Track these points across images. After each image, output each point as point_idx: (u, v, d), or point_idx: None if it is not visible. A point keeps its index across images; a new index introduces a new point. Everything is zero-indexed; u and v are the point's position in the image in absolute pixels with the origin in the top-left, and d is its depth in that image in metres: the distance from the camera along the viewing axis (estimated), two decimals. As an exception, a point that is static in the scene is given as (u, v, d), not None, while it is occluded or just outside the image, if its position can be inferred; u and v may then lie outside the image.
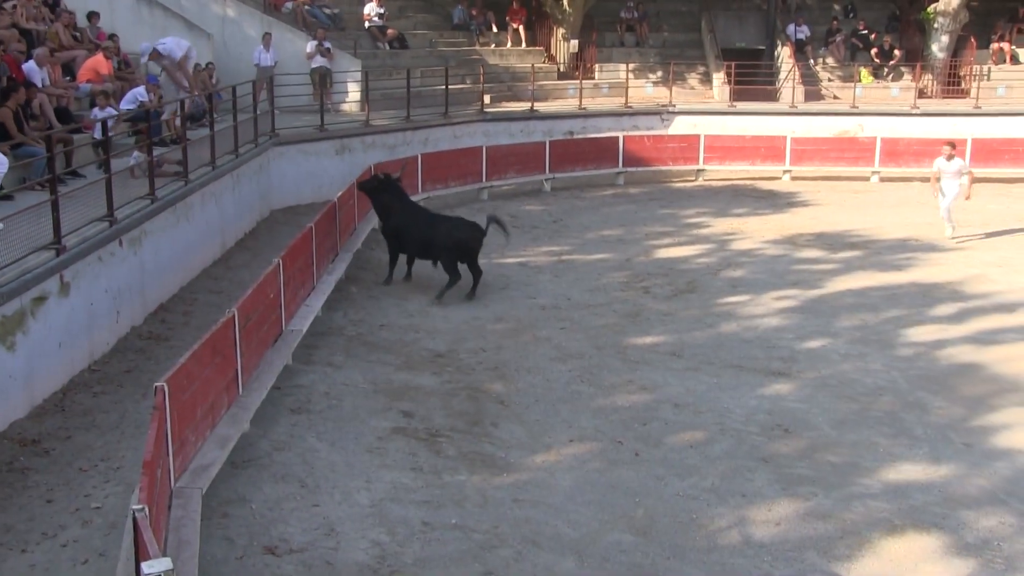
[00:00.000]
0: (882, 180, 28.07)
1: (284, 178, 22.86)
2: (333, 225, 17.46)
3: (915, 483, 10.82)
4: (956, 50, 32.69)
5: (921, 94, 31.69)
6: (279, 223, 21.25)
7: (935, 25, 32.33)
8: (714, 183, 27.74)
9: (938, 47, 32.43)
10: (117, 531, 8.78)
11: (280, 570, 8.77)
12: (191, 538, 8.42)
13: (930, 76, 32.33)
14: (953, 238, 21.40)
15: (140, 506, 6.79)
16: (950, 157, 21.49)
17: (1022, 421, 12.31)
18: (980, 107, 30.43)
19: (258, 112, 22.10)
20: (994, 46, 32.99)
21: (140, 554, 6.44)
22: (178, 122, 18.77)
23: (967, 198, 21.49)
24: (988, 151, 27.96)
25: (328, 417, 11.95)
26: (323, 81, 26.30)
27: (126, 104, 18.18)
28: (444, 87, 27.44)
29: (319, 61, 26.55)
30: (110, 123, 15.64)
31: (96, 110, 17.12)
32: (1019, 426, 12.17)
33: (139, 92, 18.58)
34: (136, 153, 16.60)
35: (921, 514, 10.15)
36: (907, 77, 32.49)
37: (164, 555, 6.34)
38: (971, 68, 32.24)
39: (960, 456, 11.51)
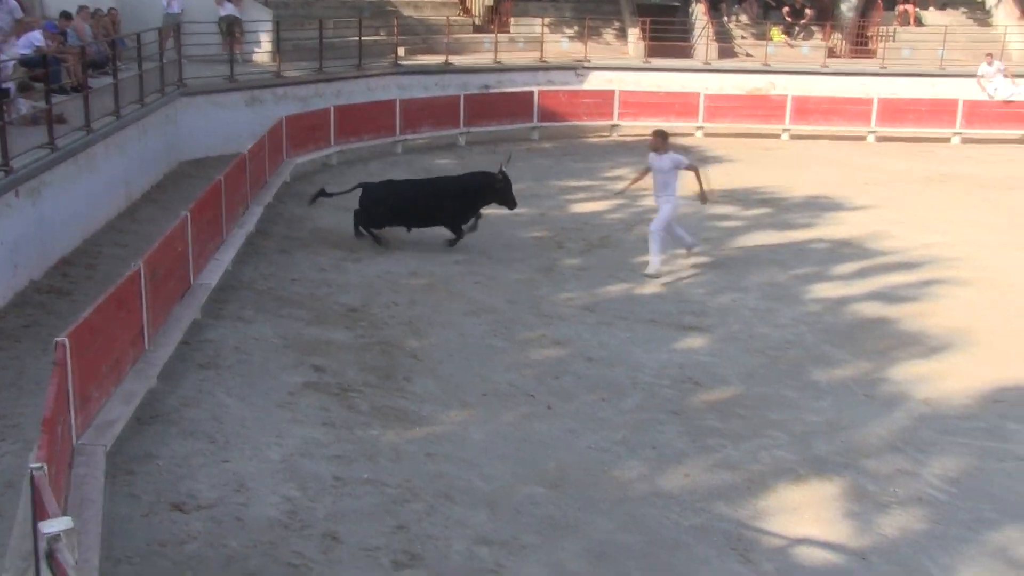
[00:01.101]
0: (792, 137, 28.36)
1: (193, 129, 22.51)
2: (243, 178, 17.21)
3: (819, 433, 11.00)
4: (864, 11, 33.13)
5: (831, 53, 32.07)
6: (188, 175, 20.95)
7: (845, -15, 32.77)
8: (628, 139, 27.80)
9: (847, 7, 32.91)
10: (14, 490, 8.61)
11: (188, 527, 8.67)
12: (94, 496, 8.28)
13: (839, 36, 32.68)
14: None
15: (38, 464, 6.64)
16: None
17: (920, 374, 12.54)
18: (886, 67, 30.81)
19: (164, 61, 21.74)
20: (899, 8, 33.56)
21: (38, 513, 6.31)
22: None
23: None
24: (893, 111, 28.43)
25: (238, 372, 11.82)
26: (232, 30, 25.90)
27: (22, 49, 17.51)
28: (358, 39, 27.22)
29: (228, 9, 26.19)
30: (8, 68, 15.29)
31: None
32: (917, 378, 12.41)
33: (35, 37, 17.88)
34: (22, 101, 16.17)
35: (823, 463, 10.34)
36: (817, 36, 32.82)
37: (65, 514, 6.20)
38: (878, 29, 32.67)
39: (862, 407, 11.72)
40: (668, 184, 15.99)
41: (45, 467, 6.60)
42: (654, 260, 15.92)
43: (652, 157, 16.13)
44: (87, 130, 16.49)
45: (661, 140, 16.09)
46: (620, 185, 18.25)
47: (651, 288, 15.54)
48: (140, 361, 11.02)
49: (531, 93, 27.84)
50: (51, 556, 5.74)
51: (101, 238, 16.38)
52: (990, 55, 28.34)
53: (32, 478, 6.50)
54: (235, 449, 10.01)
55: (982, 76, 28.08)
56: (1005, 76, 27.65)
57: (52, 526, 5.82)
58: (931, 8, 33.90)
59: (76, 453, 8.89)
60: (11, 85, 15.96)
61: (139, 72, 19.69)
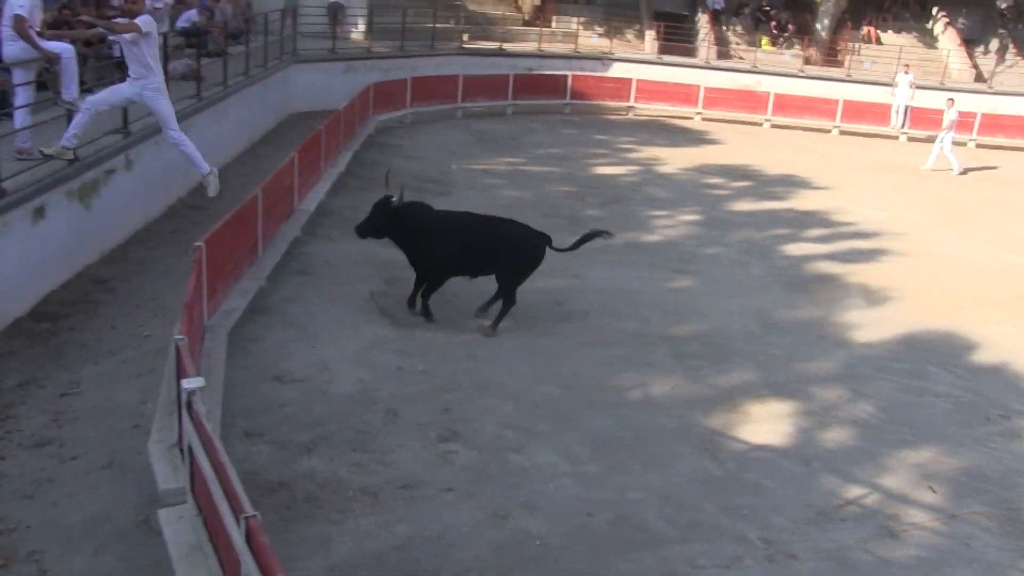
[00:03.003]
0: (772, 127, 28.07)
1: (301, 89, 22.57)
2: (339, 129, 17.27)
3: (778, 363, 11.05)
4: (836, 29, 32.82)
5: (807, 61, 31.68)
6: (296, 125, 20.94)
7: (821, 8, 32.42)
8: (641, 118, 27.59)
9: (822, 26, 32.55)
10: (162, 355, 8.79)
11: (285, 395, 8.85)
12: (218, 365, 8.47)
13: (814, 48, 32.30)
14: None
15: (181, 336, 6.81)
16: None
17: (861, 321, 12.56)
18: (851, 75, 30.48)
19: (284, 36, 21.82)
20: (864, 29, 33.12)
21: (180, 373, 6.48)
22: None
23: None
24: (855, 111, 28.12)
25: (326, 279, 11.93)
26: (336, 14, 25.81)
27: (181, 23, 17.91)
28: (432, 25, 27.08)
29: (335, -3, 26.08)
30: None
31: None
32: (860, 324, 12.43)
33: (191, 13, 18.32)
34: (184, 60, 16.35)
35: (781, 387, 10.38)
36: (797, 47, 32.35)
37: (198, 375, 6.37)
38: (846, 44, 32.30)
39: (814, 345, 11.75)
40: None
41: (186, 339, 6.78)
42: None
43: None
44: (224, 86, 16.67)
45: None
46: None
47: (652, 237, 15.54)
48: (254, 265, 11.17)
49: (565, 76, 27.60)
50: (189, 405, 5.93)
51: (229, 170, 16.46)
52: (907, 66, 27.74)
53: (176, 347, 6.67)
54: (322, 338, 10.16)
55: (896, 84, 27.42)
56: (910, 87, 27.06)
57: (190, 383, 6.00)
58: (890, 31, 33.45)
59: (206, 332, 9.07)
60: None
61: (264, 43, 19.86)
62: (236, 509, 4.97)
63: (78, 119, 10.48)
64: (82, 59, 12.15)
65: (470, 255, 10.99)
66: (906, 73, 27.05)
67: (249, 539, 4.75)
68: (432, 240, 10.83)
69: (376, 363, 9.80)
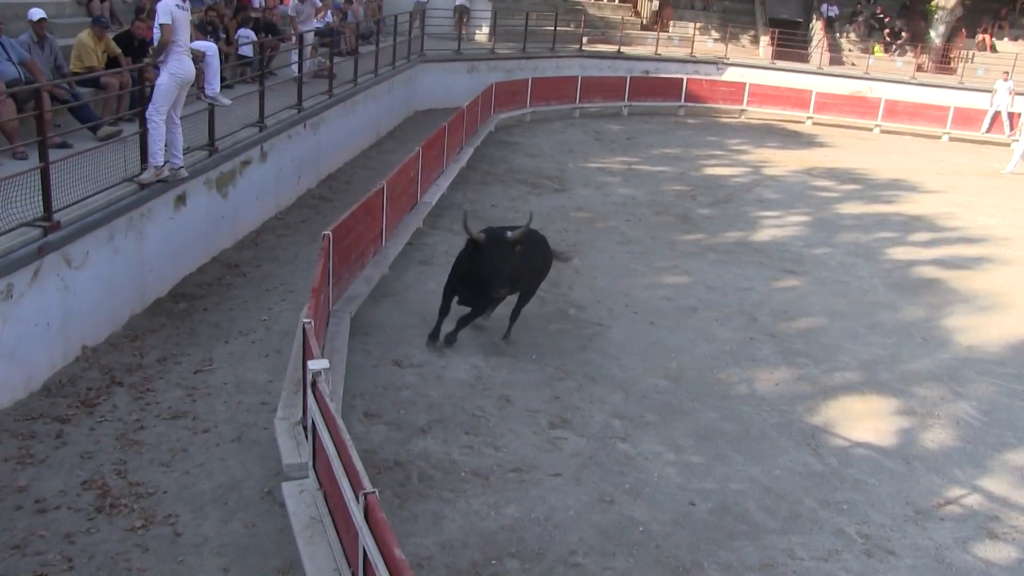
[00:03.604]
0: (882, 132, 27.20)
1: (427, 88, 22.76)
2: (461, 126, 17.32)
3: (881, 363, 10.71)
4: (950, 36, 31.57)
5: (919, 68, 30.58)
6: (420, 121, 21.14)
7: (935, 15, 31.18)
8: (753, 121, 27.05)
9: (936, 33, 31.33)
10: (289, 336, 8.96)
11: (403, 378, 8.91)
12: (341, 348, 8.56)
13: (927, 55, 31.19)
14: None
15: (308, 319, 6.89)
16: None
17: (966, 325, 12.07)
18: (963, 82, 29.31)
19: (411, 36, 21.98)
20: (979, 37, 31.76)
21: (306, 354, 6.56)
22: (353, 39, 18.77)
23: None
24: (965, 118, 27.01)
25: (446, 269, 11.83)
26: (462, 16, 25.95)
27: (317, 24, 18.14)
28: (553, 28, 27.00)
29: (461, 1, 26.13)
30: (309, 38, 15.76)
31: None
32: (963, 328, 11.94)
33: (327, 16, 18.61)
34: (317, 59, 16.65)
35: (883, 386, 10.08)
36: (910, 54, 31.27)
37: (323, 358, 6.43)
38: (960, 52, 31.09)
39: (917, 346, 11.33)
40: None
41: (313, 322, 6.85)
42: None
43: None
44: (354, 83, 16.88)
45: None
46: None
47: (761, 237, 15.19)
48: (378, 254, 11.27)
49: (681, 79, 27.20)
50: (314, 385, 5.98)
51: (357, 162, 16.73)
52: (1006, 73, 26.46)
53: (304, 329, 6.75)
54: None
55: (995, 91, 26.16)
56: (1010, 94, 25.73)
57: (316, 364, 6.06)
58: (1005, 39, 32.03)
59: (331, 316, 9.18)
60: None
61: (393, 44, 20.04)
62: (355, 485, 4.99)
63: (154, 136, 9.69)
64: (223, 57, 12.43)
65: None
66: (1005, 80, 25.82)
67: (367, 514, 4.77)
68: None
69: (490, 351, 9.79)
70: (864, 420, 9.26)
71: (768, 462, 8.29)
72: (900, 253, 15.11)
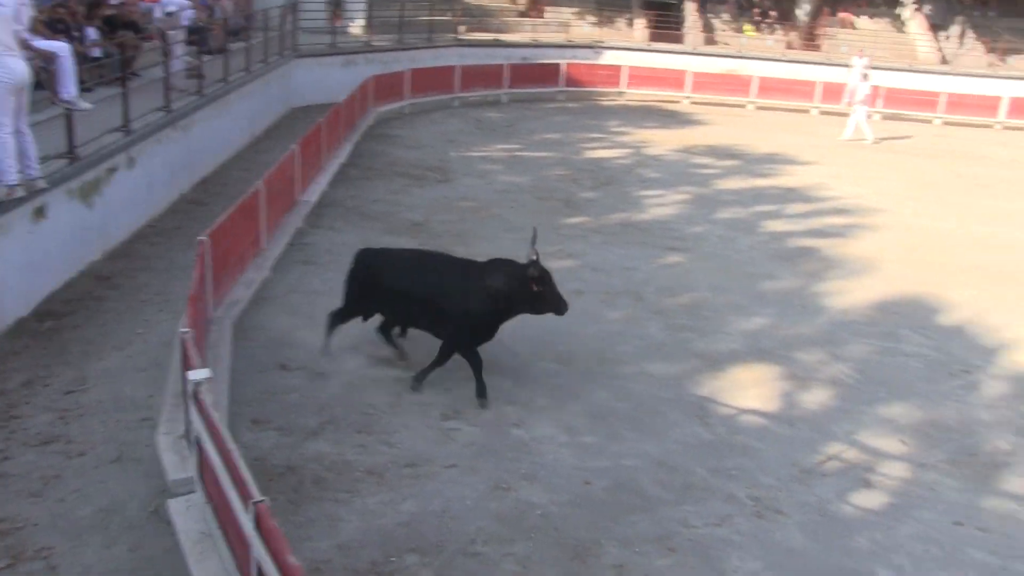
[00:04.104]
0: (756, 108, 27.93)
1: (302, 84, 22.39)
2: (339, 121, 17.14)
3: (763, 332, 11.02)
4: (814, 15, 32.64)
5: (788, 46, 31.56)
6: (297, 119, 20.81)
7: (801, -4, 32.29)
8: (632, 103, 27.44)
9: (802, 12, 32.34)
10: (169, 348, 8.69)
11: (290, 382, 8.76)
12: (224, 355, 8.38)
13: (795, 33, 32.12)
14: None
15: (187, 329, 6.72)
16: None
17: (839, 290, 12.49)
18: (829, 59, 30.32)
19: (284, 31, 21.59)
20: (840, 15, 32.91)
21: (186, 365, 6.39)
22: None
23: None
24: (832, 92, 27.92)
25: (329, 268, 11.80)
26: (336, 9, 25.62)
27: (182, 22, 17.61)
28: (429, 18, 26.86)
29: (333, -8, 25.89)
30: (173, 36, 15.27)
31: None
32: (837, 292, 12.37)
33: (190, 13, 18.05)
34: (185, 58, 16.19)
35: (766, 354, 10.39)
36: (779, 33, 32.19)
37: (204, 367, 6.28)
38: (824, 30, 32.11)
39: (796, 314, 11.69)
40: None
41: (191, 332, 6.68)
42: None
43: None
44: (225, 82, 16.46)
45: None
46: None
47: (644, 216, 15.42)
48: (258, 257, 11.08)
49: (559, 64, 27.44)
50: (196, 396, 5.84)
51: (232, 163, 16.37)
52: (861, 50, 27.13)
53: (182, 340, 6.58)
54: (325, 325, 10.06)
55: (852, 66, 26.64)
56: (864, 69, 26.35)
57: (196, 374, 5.92)
58: (864, 16, 33.29)
59: (211, 323, 8.97)
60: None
61: (264, 39, 19.61)
62: (244, 495, 4.90)
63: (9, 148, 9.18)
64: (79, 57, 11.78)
65: None
66: (860, 57, 26.49)
67: (258, 524, 4.69)
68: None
69: (378, 348, 9.68)
70: (749, 388, 9.52)
71: (660, 436, 8.44)
72: (777, 225, 15.54)
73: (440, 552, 6.63)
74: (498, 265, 8.85)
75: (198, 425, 5.87)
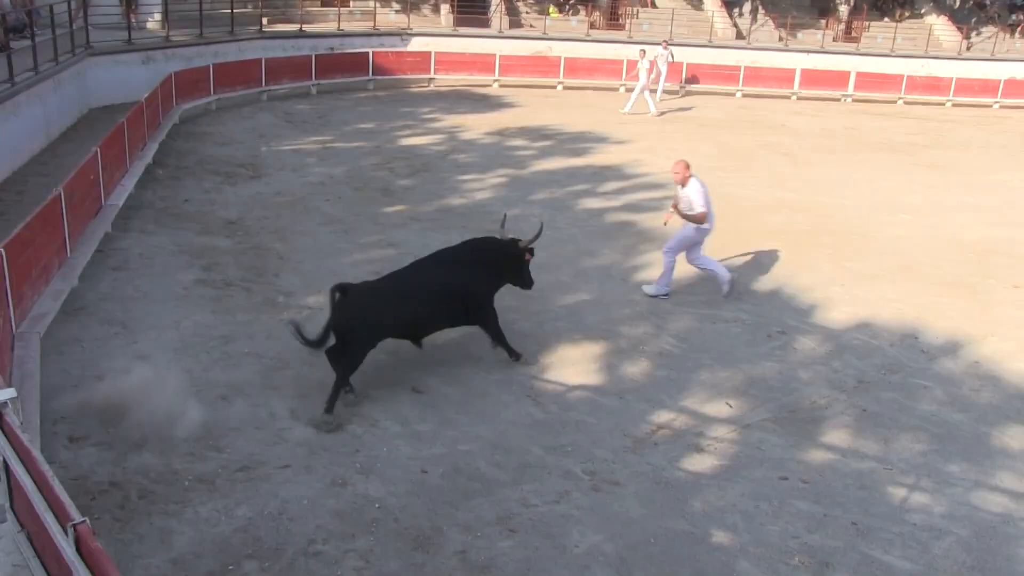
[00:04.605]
0: (565, 88, 28.44)
1: (100, 83, 21.26)
2: (142, 120, 16.42)
3: (587, 307, 11.27)
4: (615, -4, 33.47)
5: (592, 26, 32.23)
6: (97, 120, 19.81)
7: (602, -27, 32.92)
8: (442, 89, 27.46)
9: (604, -9, 33.09)
10: (-32, 369, 8.18)
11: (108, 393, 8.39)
12: (32, 371, 7.95)
13: (598, 13, 32.85)
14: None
15: (-14, 347, 6.32)
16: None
17: (655, 261, 12.81)
18: (632, 37, 31.19)
19: (75, 27, 20.48)
20: (641, -7, 33.93)
21: (-15, 386, 6.01)
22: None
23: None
24: (632, 68, 28.78)
25: (143, 273, 11.38)
26: (130, 3, 24.49)
27: None
28: (231, 10, 26.04)
29: (126, -14, 24.69)
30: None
31: None
32: (654, 264, 12.66)
33: None
34: None
35: (592, 329, 10.61)
36: (582, 13, 32.83)
37: (9, 387, 5.90)
38: (626, 9, 32.96)
39: (618, 288, 11.99)
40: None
41: (-10, 351, 6.28)
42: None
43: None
44: (11, 83, 15.45)
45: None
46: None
47: (462, 201, 15.48)
48: (64, 266, 10.56)
49: (367, 53, 27.15)
50: (0, 417, 5.49)
51: (27, 170, 15.47)
52: (665, 42, 28.02)
53: (-20, 360, 6.18)
54: (142, 333, 9.73)
55: (651, 57, 26.26)
56: (665, 62, 27.09)
57: (0, 394, 5.55)
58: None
59: (16, 339, 8.48)
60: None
61: (53, 36, 18.48)
62: (62, 517, 4.63)
63: None
64: None
65: None
66: (665, 48, 27.29)
67: (79, 546, 4.44)
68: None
69: (200, 351, 9.42)
70: (578, 364, 9.71)
71: (493, 419, 8.51)
72: (594, 203, 15.88)
73: (280, 555, 6.50)
74: (484, 243, 9.51)
75: (5, 449, 5.51)
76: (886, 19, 35.37)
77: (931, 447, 8.58)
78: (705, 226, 11.34)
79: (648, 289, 11.76)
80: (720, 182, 17.61)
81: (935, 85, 31.42)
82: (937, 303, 12.19)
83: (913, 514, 7.54)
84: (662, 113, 25.26)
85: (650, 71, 25.23)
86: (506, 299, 11.18)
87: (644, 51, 25.68)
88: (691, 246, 11.56)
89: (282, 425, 8.15)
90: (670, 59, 27.34)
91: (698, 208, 11.12)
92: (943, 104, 31.03)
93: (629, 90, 28.12)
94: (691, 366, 9.88)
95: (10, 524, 5.70)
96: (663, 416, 8.80)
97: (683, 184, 11.30)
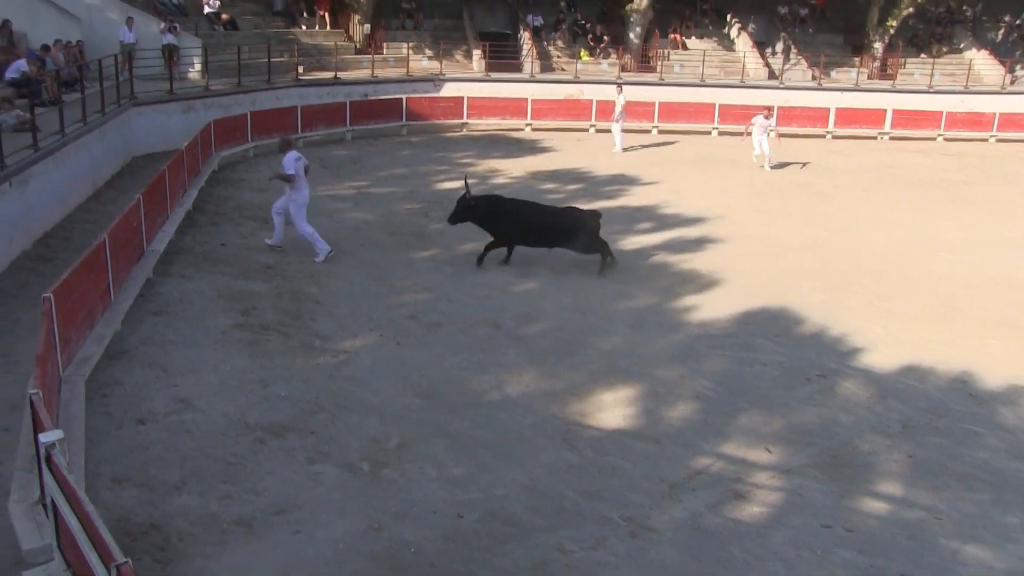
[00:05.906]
0: (597, 131, 28.58)
1: (142, 132, 21.68)
2: (182, 167, 16.70)
3: (620, 351, 11.25)
4: (646, 38, 33.55)
5: (623, 69, 32.36)
6: (140, 167, 20.18)
7: (631, 19, 33.00)
8: (475, 133, 27.69)
9: (634, 35, 33.16)
10: (18, 411, 8.31)
11: (149, 436, 8.51)
12: (78, 414, 8.08)
13: (629, 56, 33.02)
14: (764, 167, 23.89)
15: (35, 390, 6.46)
16: (767, 116, 24.31)
17: (693, 304, 12.87)
18: (663, 79, 31.34)
19: (121, 79, 20.97)
20: (671, 36, 34.02)
21: (37, 427, 6.13)
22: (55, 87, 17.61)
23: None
24: (670, 111, 28.97)
25: (182, 317, 11.54)
26: (171, 55, 25.04)
27: (10, 74, 17.02)
28: (267, 60, 26.53)
29: (168, 39, 25.17)
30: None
31: None
32: (691, 308, 12.72)
33: (21, 64, 17.45)
34: (15, 112, 15.54)
35: (626, 373, 10.59)
36: (613, 56, 33.04)
37: (56, 428, 6.03)
38: (657, 52, 33.14)
39: (651, 330, 11.99)
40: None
41: (40, 392, 6.43)
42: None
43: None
44: (61, 134, 15.84)
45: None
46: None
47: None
48: (108, 311, 10.73)
49: (400, 99, 27.48)
50: (48, 459, 5.62)
51: (75, 217, 15.76)
52: (768, 109, 25.79)
53: (31, 401, 6.31)
54: (182, 376, 9.86)
55: (752, 124, 25.03)
56: (770, 132, 24.85)
57: (48, 437, 5.69)
58: (693, 37, 34.56)
59: (62, 382, 8.64)
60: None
61: (100, 89, 18.96)
62: (106, 558, 4.72)
63: None
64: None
65: (524, 233, 14.19)
66: (767, 117, 24.99)
67: (122, 587, 4.52)
68: (497, 220, 14.10)
69: (238, 394, 9.53)
70: (613, 408, 9.70)
71: (528, 463, 8.51)
72: (628, 244, 15.91)
73: (317, 598, 6.53)
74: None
75: (52, 489, 5.64)
76: (923, 55, 35.19)
77: (986, 496, 8.38)
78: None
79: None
80: (754, 222, 17.68)
81: (977, 121, 31.09)
82: (985, 345, 12.02)
83: (968, 568, 7.34)
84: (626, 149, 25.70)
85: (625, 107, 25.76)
86: (538, 342, 11.28)
87: (620, 87, 26.36)
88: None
89: (318, 469, 8.21)
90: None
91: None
92: (986, 140, 30.74)
93: (661, 132, 28.33)
94: (728, 410, 9.80)
95: (57, 563, 5.81)
96: (700, 461, 8.73)
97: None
